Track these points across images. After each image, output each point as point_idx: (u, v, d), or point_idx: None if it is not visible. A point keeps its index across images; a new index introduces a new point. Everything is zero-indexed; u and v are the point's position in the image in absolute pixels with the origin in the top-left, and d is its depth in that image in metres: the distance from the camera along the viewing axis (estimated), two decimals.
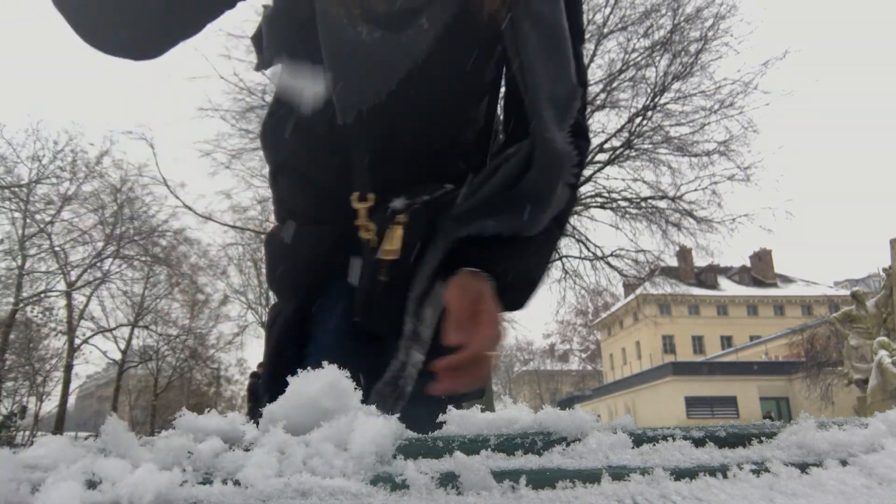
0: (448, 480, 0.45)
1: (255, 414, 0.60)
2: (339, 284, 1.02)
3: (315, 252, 1.02)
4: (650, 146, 12.39)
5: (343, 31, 0.85)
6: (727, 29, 11.75)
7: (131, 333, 22.99)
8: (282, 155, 1.05)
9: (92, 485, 0.42)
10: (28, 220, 17.51)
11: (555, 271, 12.95)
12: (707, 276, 45.89)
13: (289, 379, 0.56)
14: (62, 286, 19.26)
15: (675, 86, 11.99)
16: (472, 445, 0.51)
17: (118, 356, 23.22)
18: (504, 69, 0.99)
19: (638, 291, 16.68)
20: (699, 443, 0.53)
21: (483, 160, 1.06)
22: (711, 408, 28.45)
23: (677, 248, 13.84)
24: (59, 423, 20.03)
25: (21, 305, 18.21)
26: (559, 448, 0.52)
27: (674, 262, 18.75)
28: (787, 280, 47.55)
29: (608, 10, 11.60)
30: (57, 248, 18.18)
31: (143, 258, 19.86)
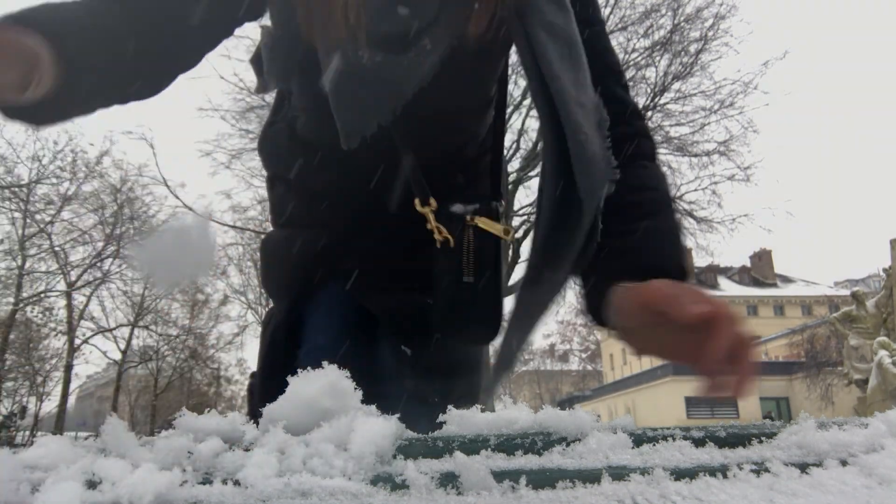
0: (448, 480, 0.45)
1: (253, 414, 0.60)
2: (332, 288, 1.02)
3: (308, 256, 1.02)
4: None
5: (344, 57, 0.84)
6: (727, 29, 11.74)
7: (131, 333, 22.93)
8: (280, 165, 1.06)
9: (92, 485, 0.42)
10: (28, 220, 17.47)
11: None
12: (707, 277, 45.79)
13: (286, 379, 0.56)
14: (62, 286, 19.23)
15: (675, 86, 11.98)
16: (472, 445, 0.51)
17: (118, 356, 23.16)
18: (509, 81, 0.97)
19: None
20: (699, 443, 0.53)
21: (489, 172, 1.06)
22: (711, 408, 28.38)
23: None
24: (59, 423, 20.00)
25: (21, 305, 18.18)
26: (559, 448, 0.52)
27: None
28: (787, 280, 47.53)
29: (608, 10, 11.58)
30: (57, 248, 18.15)
31: None
